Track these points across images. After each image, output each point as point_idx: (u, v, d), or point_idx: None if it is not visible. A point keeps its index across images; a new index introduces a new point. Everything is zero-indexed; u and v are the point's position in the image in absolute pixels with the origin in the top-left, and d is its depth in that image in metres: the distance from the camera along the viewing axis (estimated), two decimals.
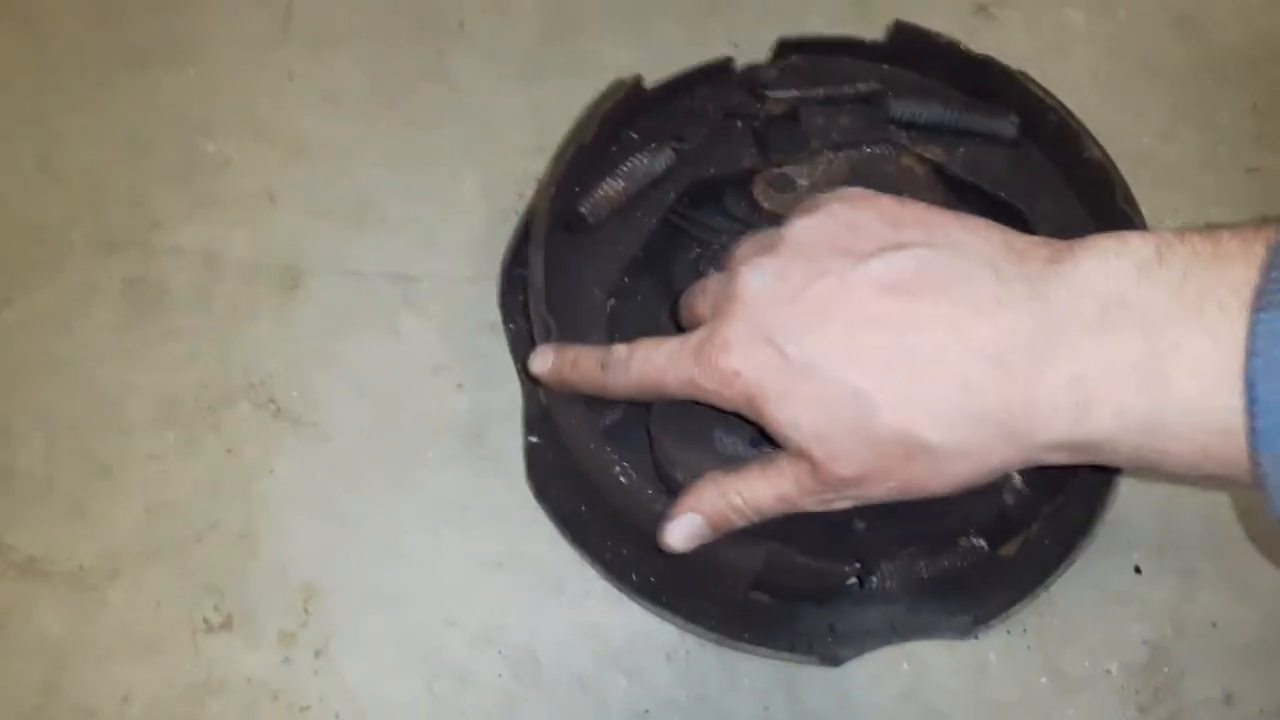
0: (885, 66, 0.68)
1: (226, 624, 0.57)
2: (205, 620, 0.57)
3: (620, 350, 0.51)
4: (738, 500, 0.49)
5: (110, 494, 0.60)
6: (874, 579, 0.55)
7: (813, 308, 0.44)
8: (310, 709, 0.55)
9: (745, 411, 0.47)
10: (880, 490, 0.45)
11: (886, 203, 0.46)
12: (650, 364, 0.49)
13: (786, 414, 0.44)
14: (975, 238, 0.44)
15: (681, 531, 0.50)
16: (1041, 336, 0.39)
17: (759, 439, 0.54)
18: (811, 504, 0.48)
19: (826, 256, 0.45)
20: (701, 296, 0.52)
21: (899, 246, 0.43)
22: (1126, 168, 0.62)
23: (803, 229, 0.46)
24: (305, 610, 0.57)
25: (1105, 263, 0.40)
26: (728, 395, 0.46)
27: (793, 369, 0.44)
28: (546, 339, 0.56)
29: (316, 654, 0.56)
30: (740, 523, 0.50)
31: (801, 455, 0.45)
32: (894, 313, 0.42)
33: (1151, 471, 0.41)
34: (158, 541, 0.58)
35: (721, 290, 0.48)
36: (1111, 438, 0.39)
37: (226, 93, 0.73)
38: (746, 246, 0.50)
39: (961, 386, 0.41)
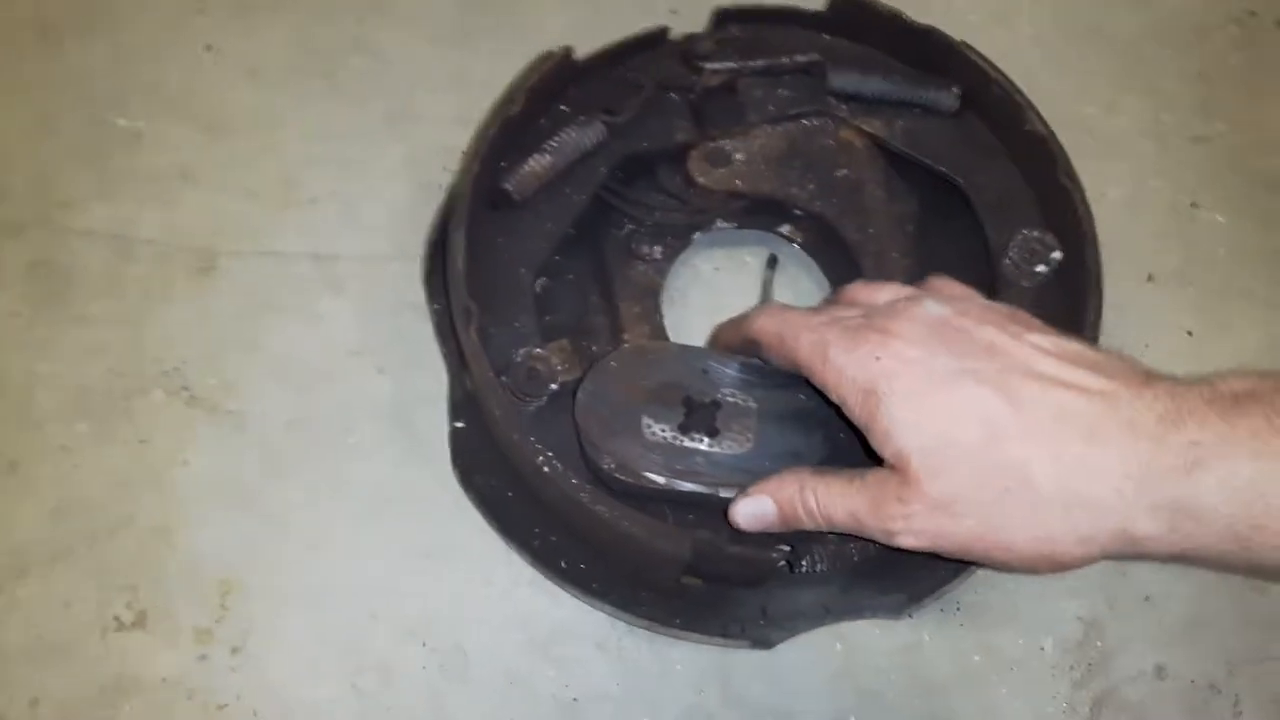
0: (825, 37, 0.66)
1: (140, 622, 0.55)
2: (117, 619, 0.55)
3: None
4: (812, 502, 0.48)
5: (17, 489, 0.57)
6: (804, 563, 0.54)
7: (980, 344, 0.46)
8: (228, 707, 0.54)
9: (857, 405, 0.46)
10: (958, 529, 0.44)
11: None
12: (786, 315, 0.50)
13: (904, 414, 0.44)
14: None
15: (749, 510, 0.50)
16: (1174, 411, 0.42)
17: (686, 426, 0.53)
18: (877, 529, 0.46)
19: (1003, 319, 0.47)
20: (843, 306, 0.52)
21: (1063, 335, 0.47)
22: (1069, 138, 0.61)
23: (974, 298, 0.51)
24: (222, 606, 0.56)
25: (1244, 376, 0.43)
26: (851, 376, 0.46)
27: (935, 376, 0.44)
28: (467, 324, 0.54)
29: (234, 651, 0.55)
30: (809, 525, 0.49)
31: (896, 466, 0.45)
32: (1050, 372, 0.44)
33: (1240, 563, 0.42)
34: (68, 538, 0.56)
35: (886, 306, 0.49)
36: (1213, 504, 0.40)
37: (140, 65, 0.70)
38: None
39: (1088, 437, 0.42)
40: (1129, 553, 0.43)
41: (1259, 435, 0.40)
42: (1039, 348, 0.45)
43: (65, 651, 0.54)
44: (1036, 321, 0.48)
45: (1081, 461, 0.42)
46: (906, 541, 0.46)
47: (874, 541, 0.48)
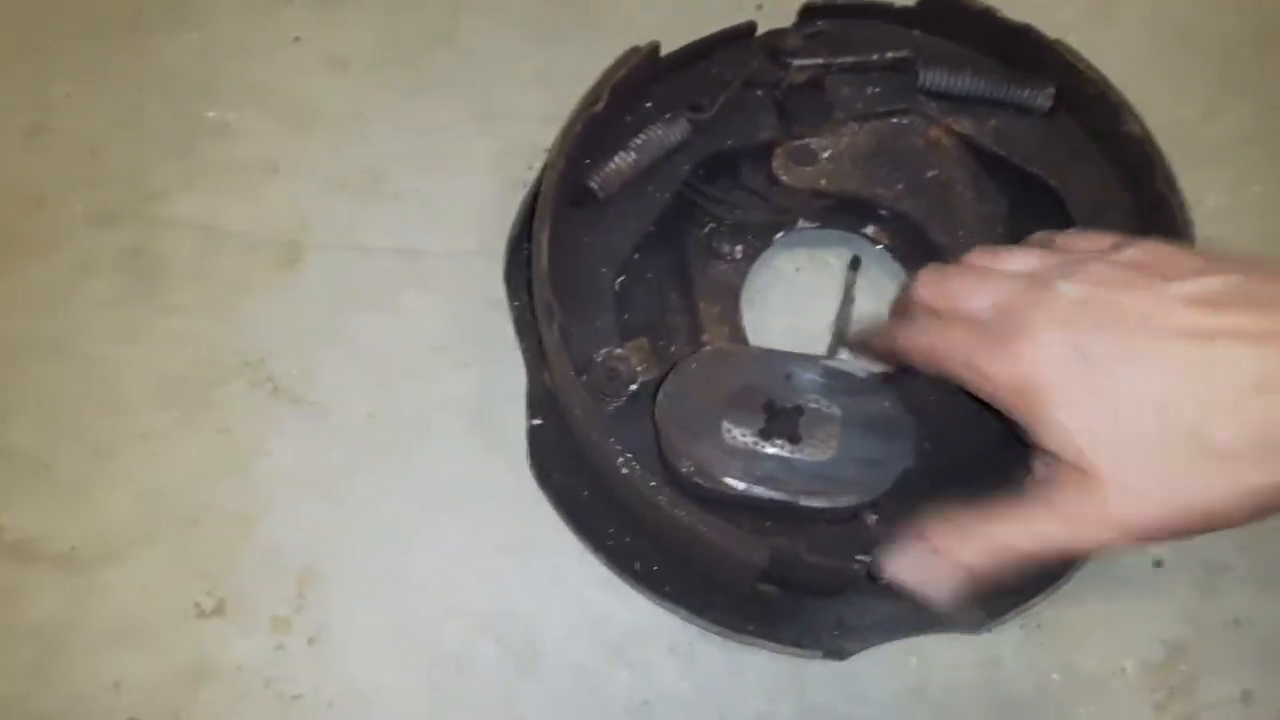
0: (916, 33, 0.64)
1: (219, 609, 0.56)
2: (198, 605, 0.56)
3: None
4: (991, 544, 0.45)
5: (105, 475, 0.59)
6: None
7: (1130, 316, 0.43)
8: (302, 697, 0.54)
9: (1013, 405, 0.44)
10: (1160, 511, 0.42)
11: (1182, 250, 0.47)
12: (927, 333, 0.49)
13: (1069, 405, 0.43)
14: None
15: (908, 568, 0.48)
16: None
17: (768, 431, 0.52)
18: (1074, 539, 0.44)
19: (1136, 276, 0.44)
20: (976, 292, 0.48)
21: (1208, 272, 0.43)
22: (1166, 142, 0.59)
23: (1104, 258, 0.46)
24: (300, 596, 0.56)
25: None
26: (1004, 378, 0.44)
27: (1089, 365, 0.43)
28: (550, 322, 0.54)
29: (310, 641, 0.55)
30: (996, 568, 0.46)
31: (1077, 469, 0.43)
32: (1205, 327, 0.42)
33: None
34: (152, 524, 0.57)
35: (1019, 289, 0.46)
36: None
37: (228, 57, 0.71)
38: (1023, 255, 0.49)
39: (1262, 385, 0.40)
40: None
41: None
42: (1186, 301, 0.43)
43: (147, 636, 0.55)
44: (1177, 256, 0.45)
45: (1262, 409, 0.40)
46: (1116, 541, 0.43)
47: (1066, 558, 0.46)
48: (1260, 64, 0.73)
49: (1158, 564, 0.59)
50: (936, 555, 0.47)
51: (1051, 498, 0.44)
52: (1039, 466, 0.47)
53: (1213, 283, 0.43)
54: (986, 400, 0.46)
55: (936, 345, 0.48)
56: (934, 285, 0.50)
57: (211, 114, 0.69)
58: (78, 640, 0.55)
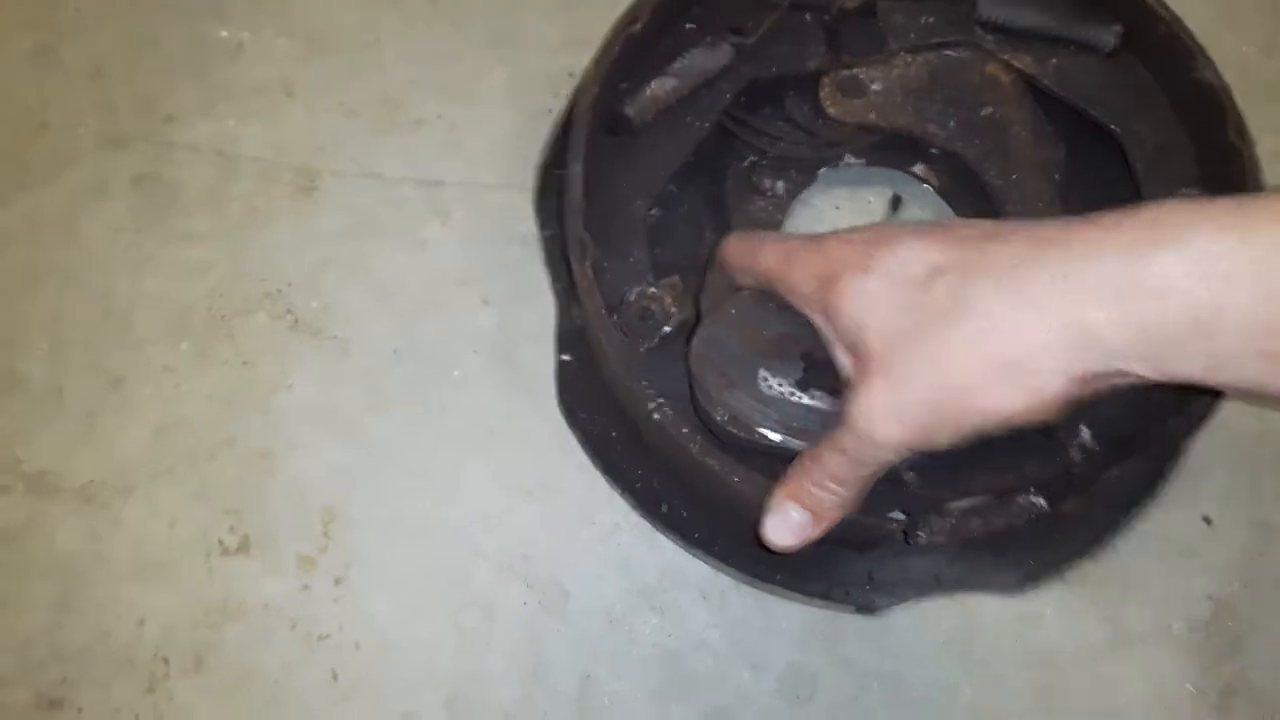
0: None
1: (243, 546, 0.55)
2: (221, 542, 0.55)
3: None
4: (819, 474, 0.44)
5: (121, 407, 0.57)
6: (921, 534, 0.51)
7: (948, 230, 0.42)
8: (329, 638, 0.53)
9: (816, 296, 0.43)
10: (921, 395, 0.40)
11: None
12: (748, 239, 0.49)
13: (855, 298, 0.42)
14: None
15: (785, 531, 0.46)
16: (1124, 214, 0.37)
17: (806, 382, 0.50)
18: (866, 445, 0.42)
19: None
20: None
21: None
22: (1226, 79, 0.55)
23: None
24: (325, 535, 0.55)
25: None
26: (810, 267, 0.44)
27: (882, 245, 0.42)
28: (582, 259, 0.51)
29: (337, 581, 0.54)
30: (837, 506, 0.45)
31: (858, 358, 0.42)
32: (1005, 232, 0.41)
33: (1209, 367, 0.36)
34: (171, 458, 0.56)
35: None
36: (1174, 279, 0.35)
37: None
38: None
39: (1028, 244, 0.39)
40: (1097, 363, 0.37)
41: (1231, 212, 0.35)
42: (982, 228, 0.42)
43: (170, 572, 0.54)
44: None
45: (1021, 274, 0.38)
46: (881, 435, 0.41)
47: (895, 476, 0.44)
48: None
49: (1207, 521, 0.57)
50: (793, 505, 0.45)
51: (845, 410, 0.42)
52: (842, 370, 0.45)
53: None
54: (800, 305, 0.45)
55: (759, 249, 0.48)
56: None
57: (224, 33, 0.66)
58: (101, 575, 0.54)
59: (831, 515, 0.45)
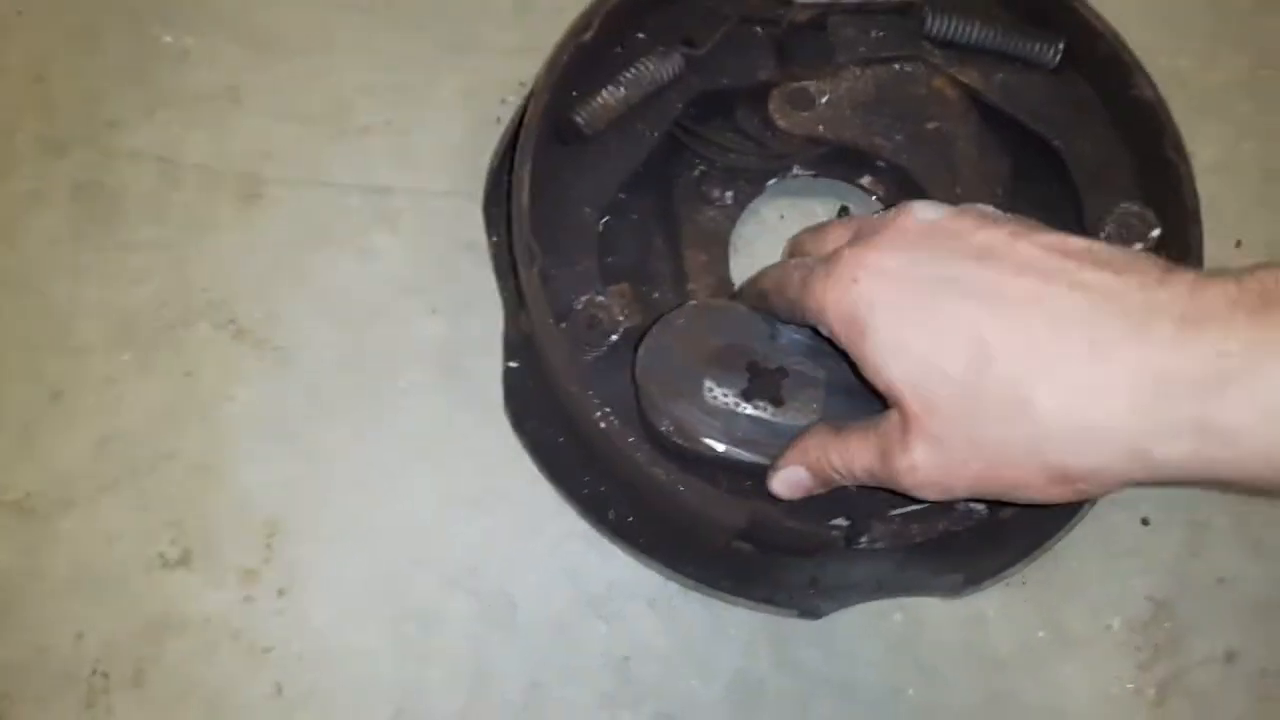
0: None
1: (185, 559, 0.54)
2: (162, 555, 0.54)
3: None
4: (838, 462, 0.45)
5: (61, 418, 0.56)
6: (863, 539, 0.51)
7: (971, 247, 0.40)
8: (273, 650, 0.53)
9: (843, 335, 0.42)
10: (965, 472, 0.40)
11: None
12: (780, 266, 0.47)
13: (888, 338, 0.40)
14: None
15: (785, 480, 0.48)
16: (1195, 312, 0.36)
17: (750, 392, 0.50)
18: (892, 483, 0.42)
19: (1007, 222, 0.41)
20: (839, 226, 0.48)
21: (1071, 234, 0.41)
22: (1163, 92, 0.57)
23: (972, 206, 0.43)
24: (268, 547, 0.54)
25: (1268, 269, 0.36)
26: (834, 301, 0.41)
27: (916, 288, 0.40)
28: (530, 265, 0.51)
29: (280, 593, 0.54)
30: (847, 483, 0.46)
31: (893, 403, 0.41)
32: (1053, 268, 0.38)
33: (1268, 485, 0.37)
34: (112, 470, 0.55)
35: (875, 219, 0.44)
36: (1244, 422, 0.35)
37: None
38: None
39: (1091, 348, 0.36)
40: (1154, 479, 0.38)
41: None
42: (1040, 245, 0.39)
43: (110, 586, 0.53)
44: (1045, 228, 0.42)
45: (1085, 380, 0.36)
46: (921, 493, 0.41)
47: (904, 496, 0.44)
48: (1259, 13, 0.71)
49: (1145, 522, 0.58)
50: (803, 468, 0.47)
51: (881, 439, 0.42)
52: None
53: (1074, 240, 0.40)
54: (827, 336, 0.44)
55: (783, 272, 0.46)
56: (801, 233, 0.51)
57: (169, 39, 0.65)
58: (38, 589, 0.53)
59: (834, 486, 0.47)
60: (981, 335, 0.38)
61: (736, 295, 0.54)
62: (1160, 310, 0.36)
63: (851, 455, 0.44)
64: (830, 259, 0.43)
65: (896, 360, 0.40)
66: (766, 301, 0.49)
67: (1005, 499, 0.41)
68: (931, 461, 0.40)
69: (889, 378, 0.40)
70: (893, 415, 0.41)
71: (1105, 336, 0.36)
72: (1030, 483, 0.39)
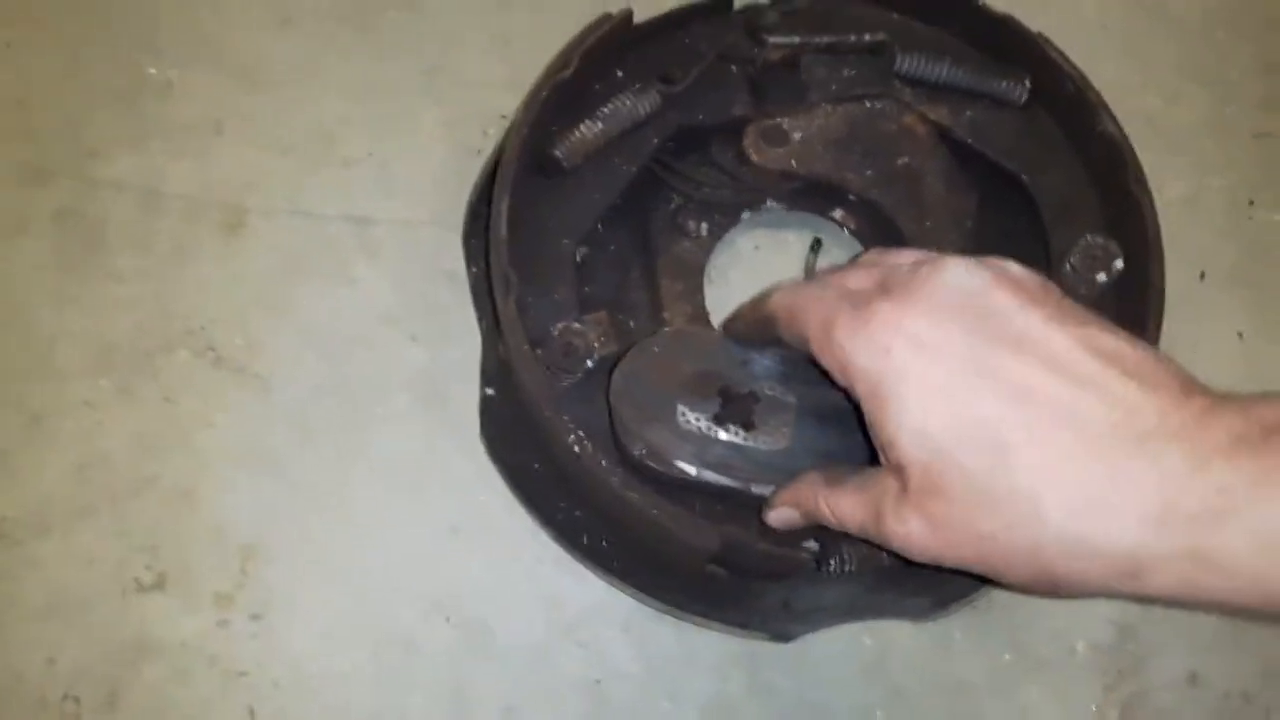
0: (895, 16, 0.63)
1: (160, 584, 0.54)
2: (137, 580, 0.54)
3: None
4: (827, 512, 0.45)
5: (40, 443, 0.56)
6: (834, 563, 0.52)
7: (1010, 334, 0.40)
8: (248, 674, 0.53)
9: (864, 398, 0.41)
10: (957, 554, 0.40)
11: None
12: (801, 289, 0.46)
13: (911, 420, 0.39)
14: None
15: (779, 519, 0.50)
16: (1203, 444, 0.36)
17: (722, 417, 0.51)
18: (881, 542, 0.42)
19: (1041, 301, 0.41)
20: (862, 270, 0.46)
21: (1105, 327, 0.41)
22: (1130, 129, 0.58)
23: (1007, 264, 0.43)
24: (243, 572, 0.55)
25: (1269, 402, 0.37)
26: (860, 365, 0.41)
27: (950, 375, 0.39)
28: (506, 294, 0.52)
29: (254, 618, 0.54)
30: (836, 528, 0.46)
31: (896, 473, 0.41)
32: (1085, 374, 0.38)
33: (1264, 615, 0.38)
34: (89, 496, 0.55)
35: (903, 269, 0.43)
36: (1240, 556, 0.36)
37: (171, 9, 0.68)
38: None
39: (1109, 468, 0.37)
40: (1140, 596, 0.38)
41: None
42: (1075, 338, 0.39)
43: (84, 611, 0.53)
44: (1077, 308, 0.42)
45: (1098, 499, 0.37)
46: (910, 557, 0.42)
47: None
48: (1225, 51, 0.74)
49: None
50: (795, 511, 0.48)
51: (875, 501, 0.42)
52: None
53: (1107, 337, 0.40)
54: (834, 379, 0.43)
55: (799, 303, 0.45)
56: (833, 269, 0.50)
57: (153, 71, 0.66)
58: (11, 615, 0.53)
59: (822, 523, 0.47)
60: (1004, 439, 0.38)
61: (731, 320, 0.55)
62: (1173, 439, 0.37)
63: (844, 511, 0.45)
64: (860, 310, 0.42)
65: (913, 439, 0.40)
66: (771, 327, 0.48)
67: (987, 576, 0.41)
68: (927, 536, 0.41)
69: (901, 451, 0.40)
70: (889, 479, 0.42)
71: (1123, 460, 0.37)
72: (1017, 575, 0.40)
